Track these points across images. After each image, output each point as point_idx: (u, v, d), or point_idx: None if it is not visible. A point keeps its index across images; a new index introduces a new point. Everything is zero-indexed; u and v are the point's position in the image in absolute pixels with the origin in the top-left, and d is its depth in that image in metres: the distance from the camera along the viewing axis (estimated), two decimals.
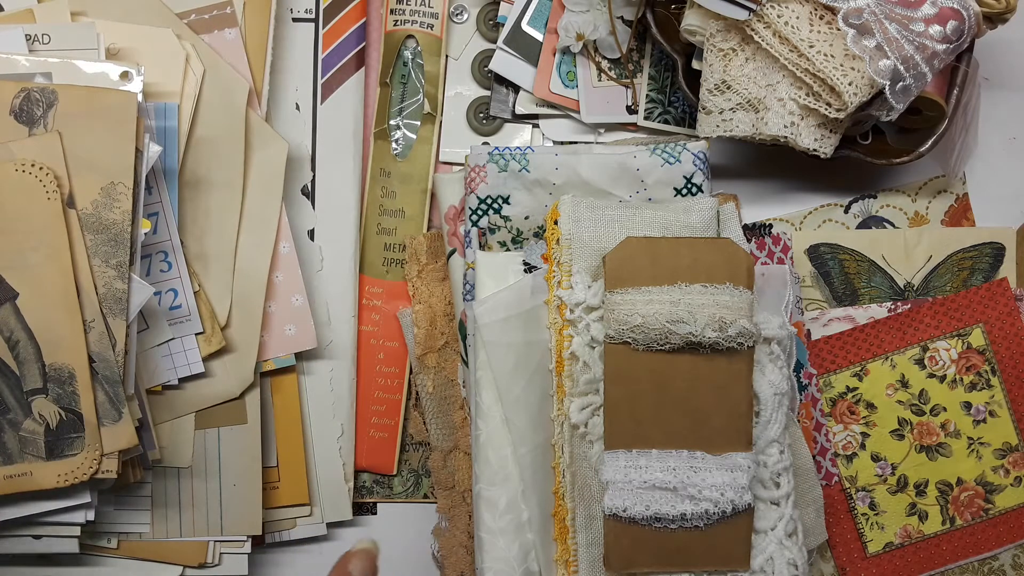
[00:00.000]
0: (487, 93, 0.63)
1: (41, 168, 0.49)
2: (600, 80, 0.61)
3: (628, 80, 0.61)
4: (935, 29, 0.51)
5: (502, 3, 0.62)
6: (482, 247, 0.56)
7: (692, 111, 0.59)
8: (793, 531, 0.51)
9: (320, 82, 0.60)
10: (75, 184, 0.49)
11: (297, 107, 0.60)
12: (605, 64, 0.61)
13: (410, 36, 0.62)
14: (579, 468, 0.50)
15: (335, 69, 0.60)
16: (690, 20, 0.54)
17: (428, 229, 0.61)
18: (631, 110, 0.61)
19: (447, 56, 0.62)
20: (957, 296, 0.60)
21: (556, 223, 0.53)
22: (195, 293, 0.54)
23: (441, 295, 0.59)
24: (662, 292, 0.49)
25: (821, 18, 0.52)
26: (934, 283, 0.61)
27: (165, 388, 0.55)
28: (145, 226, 0.51)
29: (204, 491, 0.56)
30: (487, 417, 0.53)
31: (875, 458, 0.59)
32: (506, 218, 0.56)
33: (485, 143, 0.62)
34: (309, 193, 0.59)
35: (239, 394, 0.56)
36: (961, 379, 0.59)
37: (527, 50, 0.61)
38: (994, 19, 0.53)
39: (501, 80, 0.62)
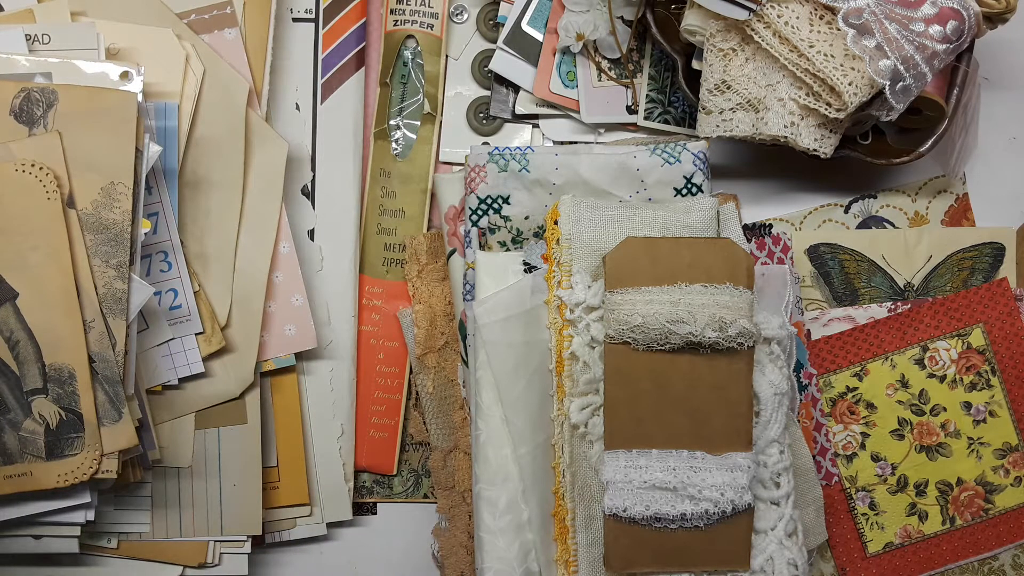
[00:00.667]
0: (487, 93, 0.63)
1: (41, 168, 0.49)
2: (600, 80, 0.61)
3: (628, 80, 0.61)
4: (935, 29, 0.51)
5: (502, 3, 0.62)
6: (482, 247, 0.56)
7: (692, 111, 0.59)
8: (793, 531, 0.51)
9: (320, 82, 0.60)
10: (75, 184, 0.49)
11: (297, 107, 0.60)
12: (605, 64, 0.61)
13: (410, 36, 0.62)
14: (579, 468, 0.50)
15: (335, 69, 0.60)
16: (690, 20, 0.54)
17: (428, 229, 0.61)
18: (631, 110, 0.61)
19: (447, 56, 0.62)
20: (957, 296, 0.60)
21: (556, 223, 0.53)
22: (195, 293, 0.54)
23: (441, 295, 0.59)
24: (662, 292, 0.49)
25: (821, 18, 0.52)
26: (934, 283, 0.61)
27: (165, 388, 0.55)
28: (145, 226, 0.51)
29: (204, 491, 0.56)
30: (487, 417, 0.53)
31: (875, 458, 0.59)
32: (506, 218, 0.56)
33: (485, 143, 0.62)
34: (309, 193, 0.59)
35: (239, 394, 0.56)
36: (961, 379, 0.59)
37: (527, 50, 0.61)
38: (994, 19, 0.53)
39: (501, 80, 0.62)
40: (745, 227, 0.59)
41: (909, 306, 0.60)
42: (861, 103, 0.51)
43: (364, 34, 0.61)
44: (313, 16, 0.60)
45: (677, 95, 0.61)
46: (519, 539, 0.52)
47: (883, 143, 0.58)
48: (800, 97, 0.53)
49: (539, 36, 0.61)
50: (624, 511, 0.48)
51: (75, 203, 0.49)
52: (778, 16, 0.52)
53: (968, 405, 0.59)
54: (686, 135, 0.61)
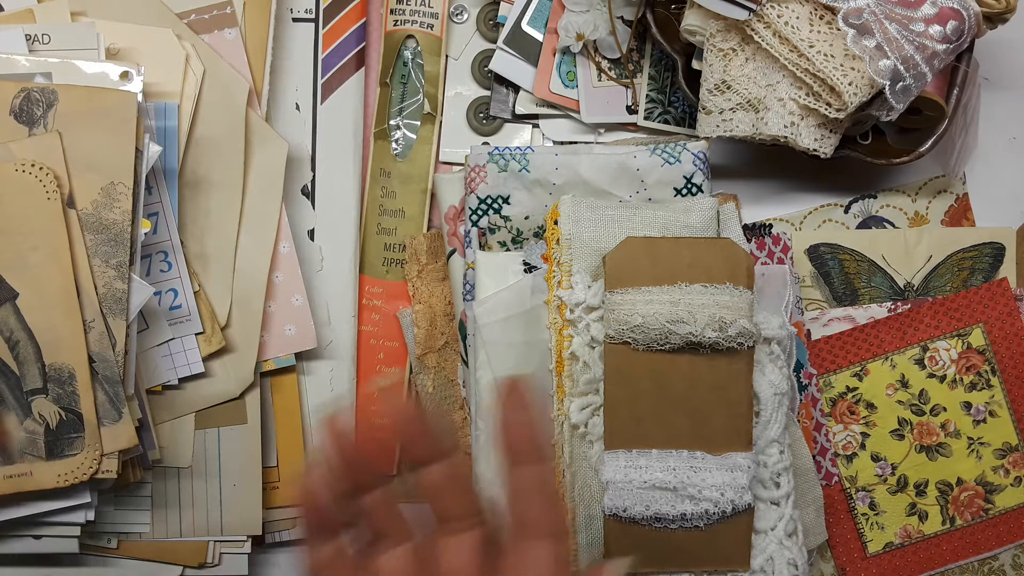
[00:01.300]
0: (487, 93, 0.63)
1: (41, 168, 0.49)
2: (600, 80, 0.61)
3: (628, 80, 0.61)
4: (935, 29, 0.51)
5: (502, 3, 0.62)
6: (482, 247, 0.56)
7: (692, 111, 0.59)
8: (793, 531, 0.51)
9: (320, 82, 0.60)
10: (75, 184, 0.49)
11: (297, 107, 0.60)
12: (605, 64, 0.61)
13: (410, 36, 0.62)
14: (579, 468, 0.50)
15: (335, 69, 0.60)
16: (690, 20, 0.54)
17: (428, 229, 0.61)
18: (631, 110, 0.61)
19: (447, 56, 0.62)
20: (957, 296, 0.60)
21: (556, 223, 0.53)
22: (195, 293, 0.54)
23: (441, 295, 0.59)
24: (662, 292, 0.49)
25: (821, 18, 0.52)
26: (934, 283, 0.61)
27: (165, 388, 0.55)
28: (145, 226, 0.51)
29: (204, 491, 0.56)
30: (487, 417, 0.53)
31: (875, 458, 0.59)
32: (506, 218, 0.56)
33: (485, 143, 0.62)
34: (309, 193, 0.59)
35: (239, 394, 0.56)
36: (961, 379, 0.59)
37: (527, 50, 0.61)
38: (994, 19, 0.53)
39: (501, 80, 0.62)
40: (745, 227, 0.59)
41: (909, 306, 0.60)
42: (861, 103, 0.51)
43: (364, 34, 0.61)
44: (313, 16, 0.60)
45: (677, 95, 0.61)
46: None
47: (883, 143, 0.58)
48: (800, 97, 0.53)
49: (539, 36, 0.61)
50: (624, 511, 0.48)
51: (75, 203, 0.49)
52: (778, 16, 0.52)
53: (968, 405, 0.59)
54: (686, 135, 0.61)
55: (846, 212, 0.62)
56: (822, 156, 0.54)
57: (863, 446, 0.59)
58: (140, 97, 0.51)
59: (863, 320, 0.60)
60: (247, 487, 0.56)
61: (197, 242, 0.55)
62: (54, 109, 0.50)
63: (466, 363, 0.56)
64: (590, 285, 0.51)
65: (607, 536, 0.49)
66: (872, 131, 0.58)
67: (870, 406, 0.59)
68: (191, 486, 0.56)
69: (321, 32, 0.60)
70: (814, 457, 0.57)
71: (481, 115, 0.62)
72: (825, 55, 0.51)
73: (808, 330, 0.60)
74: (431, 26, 0.62)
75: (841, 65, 0.51)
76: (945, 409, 0.59)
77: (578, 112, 0.61)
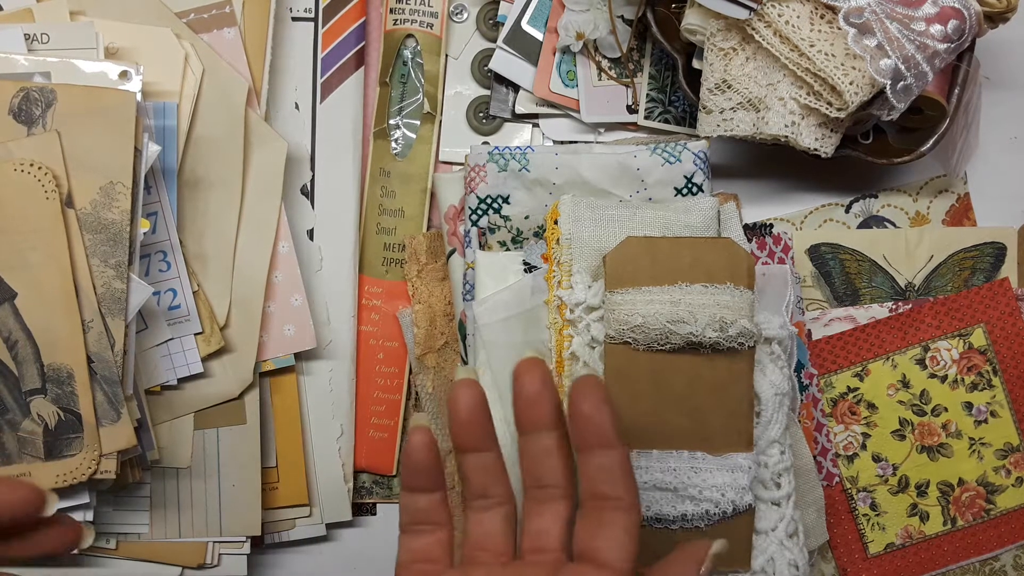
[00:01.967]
0: (487, 93, 0.62)
1: (40, 168, 0.48)
2: (600, 79, 0.61)
3: (628, 79, 0.61)
4: (936, 28, 0.51)
5: (502, 2, 0.62)
6: (482, 247, 0.56)
7: (692, 111, 0.59)
8: (794, 531, 0.51)
9: (319, 81, 0.60)
10: (74, 184, 0.49)
11: (296, 107, 0.60)
12: (605, 63, 0.61)
13: (410, 35, 0.62)
14: None
15: (334, 68, 0.60)
16: (690, 19, 0.54)
17: (428, 229, 0.61)
18: (631, 110, 0.61)
19: (447, 55, 0.62)
20: (958, 296, 0.60)
21: (556, 223, 0.53)
22: (194, 293, 0.54)
23: (441, 295, 0.59)
24: (662, 292, 0.48)
25: (822, 17, 0.51)
26: (935, 283, 0.60)
27: (164, 388, 0.55)
28: (144, 226, 0.51)
29: (203, 491, 0.56)
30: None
31: (876, 458, 0.59)
32: (506, 218, 0.56)
33: (485, 143, 0.62)
34: (308, 193, 0.59)
35: (238, 394, 0.56)
36: (962, 379, 0.59)
37: (527, 49, 0.61)
38: (995, 18, 0.53)
39: (501, 80, 0.62)
40: (746, 227, 0.59)
41: (910, 306, 0.60)
42: (862, 102, 0.51)
43: (364, 33, 0.61)
44: (312, 15, 0.60)
45: (677, 95, 0.61)
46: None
47: (884, 143, 0.58)
48: (801, 96, 0.53)
49: (539, 35, 0.61)
50: None
51: (74, 203, 0.49)
52: (779, 15, 0.51)
53: (969, 405, 0.59)
54: (686, 135, 0.60)
55: (847, 212, 0.62)
56: (823, 156, 0.54)
57: (864, 446, 0.59)
58: (139, 96, 0.51)
59: (864, 320, 0.60)
60: (246, 487, 0.56)
61: (196, 242, 0.55)
62: (53, 108, 0.49)
63: (466, 363, 0.56)
64: (590, 285, 0.51)
65: None
66: (873, 130, 0.58)
67: (871, 406, 0.59)
68: (190, 486, 0.56)
69: (320, 31, 0.60)
70: (815, 457, 0.57)
71: (481, 115, 0.62)
72: (826, 54, 0.51)
73: (809, 330, 0.59)
74: (431, 25, 0.62)
75: (842, 64, 0.51)
76: (946, 409, 0.59)
77: (578, 112, 0.61)
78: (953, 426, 0.59)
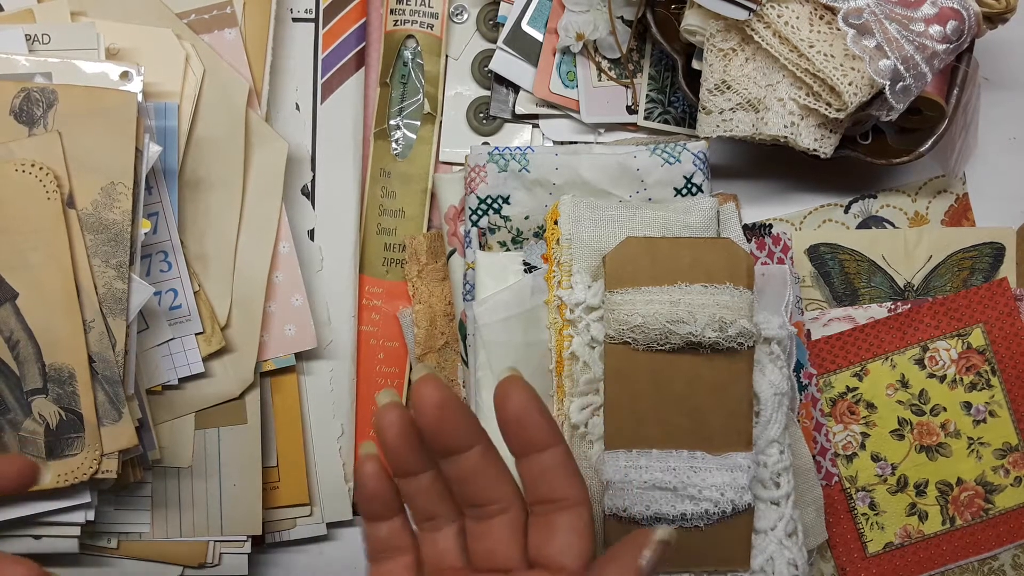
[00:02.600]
0: (487, 93, 0.63)
1: (41, 168, 0.49)
2: (600, 80, 0.61)
3: (628, 80, 0.61)
4: (935, 29, 0.51)
5: (502, 3, 0.62)
6: (482, 247, 0.56)
7: (692, 111, 0.59)
8: (793, 531, 0.51)
9: (320, 82, 0.60)
10: (75, 184, 0.49)
11: (297, 107, 0.60)
12: (605, 64, 0.61)
13: (410, 36, 0.62)
14: (579, 468, 0.50)
15: (335, 69, 0.60)
16: (690, 20, 0.54)
17: (428, 229, 0.61)
18: (631, 110, 0.61)
19: (447, 56, 0.62)
20: (957, 296, 0.60)
21: (556, 223, 0.53)
22: (195, 293, 0.54)
23: (441, 295, 0.59)
24: (662, 292, 0.48)
25: (821, 18, 0.52)
26: (934, 283, 0.61)
27: (165, 388, 0.55)
28: (145, 226, 0.51)
29: (204, 491, 0.56)
30: (487, 417, 0.52)
31: (875, 458, 0.59)
32: (506, 218, 0.56)
33: (485, 143, 0.62)
34: (309, 193, 0.59)
35: (239, 394, 0.56)
36: (961, 379, 0.59)
37: (527, 50, 0.61)
38: (994, 19, 0.53)
39: (501, 80, 0.62)
40: (745, 227, 0.59)
41: (909, 306, 0.60)
42: (861, 103, 0.51)
43: (364, 34, 0.61)
44: (313, 16, 0.60)
45: (677, 95, 0.61)
46: None
47: (883, 143, 0.58)
48: (800, 97, 0.53)
49: (539, 36, 0.61)
50: (624, 511, 0.48)
51: (75, 203, 0.49)
52: (778, 16, 0.52)
53: (968, 405, 0.59)
54: (686, 135, 0.61)
55: (846, 212, 0.62)
56: (822, 156, 0.54)
57: (863, 446, 0.59)
58: (140, 97, 0.51)
59: (863, 320, 0.60)
60: (247, 487, 0.56)
61: (197, 242, 0.55)
62: (54, 109, 0.50)
63: (466, 363, 0.56)
64: (590, 285, 0.51)
65: (607, 536, 0.49)
66: (872, 131, 0.58)
67: (870, 406, 0.59)
68: (191, 486, 0.56)
69: (321, 32, 0.60)
70: (814, 457, 0.57)
71: (481, 115, 0.62)
72: (825, 55, 0.51)
73: (808, 330, 0.60)
74: (431, 26, 0.62)
75: (841, 65, 0.51)
76: (945, 409, 0.59)
77: (578, 112, 0.61)
78: (952, 426, 0.59)
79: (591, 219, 0.53)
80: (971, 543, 0.59)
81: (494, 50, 0.62)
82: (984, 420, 0.59)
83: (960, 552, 0.59)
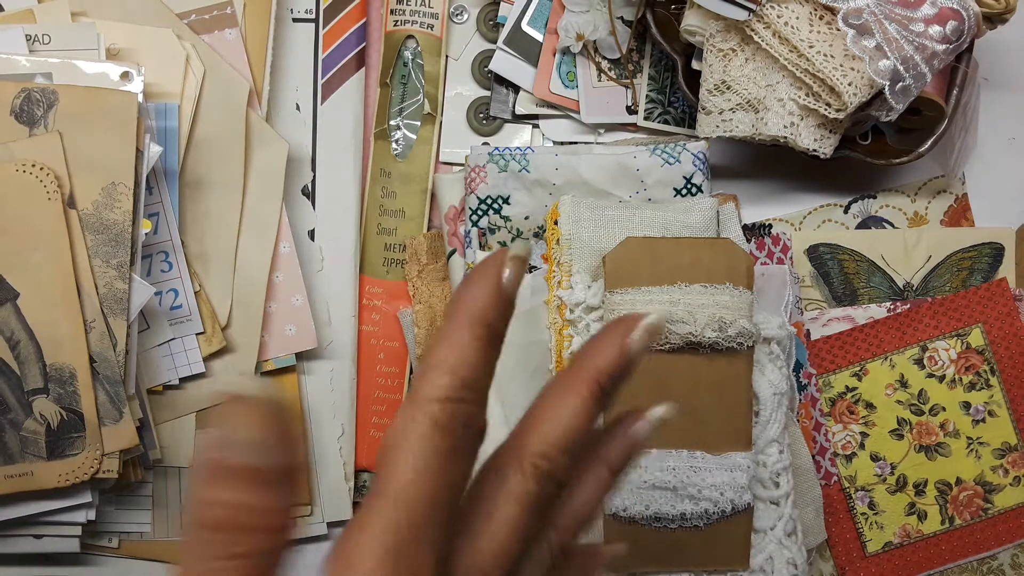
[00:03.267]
0: (487, 93, 0.63)
1: (42, 168, 0.49)
2: (600, 80, 0.61)
3: (628, 80, 0.61)
4: (935, 29, 0.51)
5: (502, 3, 0.62)
6: (482, 247, 0.56)
7: (692, 111, 0.59)
8: (792, 530, 0.51)
9: (320, 82, 0.60)
10: (76, 184, 0.49)
11: (297, 107, 0.60)
12: (605, 64, 0.61)
13: (410, 36, 0.62)
14: None
15: (335, 69, 0.60)
16: (690, 20, 0.54)
17: (428, 229, 0.61)
18: (631, 110, 0.61)
19: (447, 56, 0.62)
20: (956, 296, 0.60)
21: (556, 223, 0.53)
22: (196, 293, 0.54)
23: (441, 295, 0.59)
24: (662, 292, 0.49)
25: (821, 18, 0.52)
26: (933, 283, 0.61)
27: (166, 388, 0.55)
28: (146, 226, 0.51)
29: None
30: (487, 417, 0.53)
31: (874, 458, 0.59)
32: (506, 218, 0.56)
33: (485, 143, 0.62)
34: (309, 193, 0.60)
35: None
36: (960, 379, 0.60)
37: (527, 50, 0.61)
38: (994, 19, 0.53)
39: (501, 80, 0.62)
40: (745, 227, 0.59)
41: (908, 306, 0.60)
42: (861, 103, 0.52)
43: (364, 34, 0.61)
44: (313, 16, 0.60)
45: (677, 95, 0.61)
46: None
47: (883, 143, 0.59)
48: (800, 97, 0.53)
49: (539, 36, 0.61)
50: (624, 511, 0.48)
51: (76, 203, 0.49)
52: (778, 16, 0.52)
53: (967, 405, 0.59)
54: (686, 135, 0.61)
55: (846, 212, 0.62)
56: (822, 156, 0.54)
57: (862, 446, 0.59)
58: (140, 97, 0.51)
59: (862, 320, 0.60)
60: None
61: (198, 242, 0.55)
62: (54, 109, 0.50)
63: None
64: (590, 285, 0.51)
65: (607, 536, 0.49)
66: (872, 131, 0.58)
67: (869, 406, 0.59)
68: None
69: (321, 32, 0.60)
70: (813, 457, 0.57)
71: (481, 115, 0.63)
72: (825, 55, 0.51)
73: (807, 330, 0.60)
74: (431, 26, 0.62)
75: (841, 65, 0.51)
76: (944, 409, 0.59)
77: (578, 112, 0.61)
78: (951, 426, 0.59)
79: (591, 219, 0.53)
80: (970, 543, 0.59)
81: (494, 50, 0.62)
82: (983, 420, 0.59)
83: (959, 552, 0.59)
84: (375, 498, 0.28)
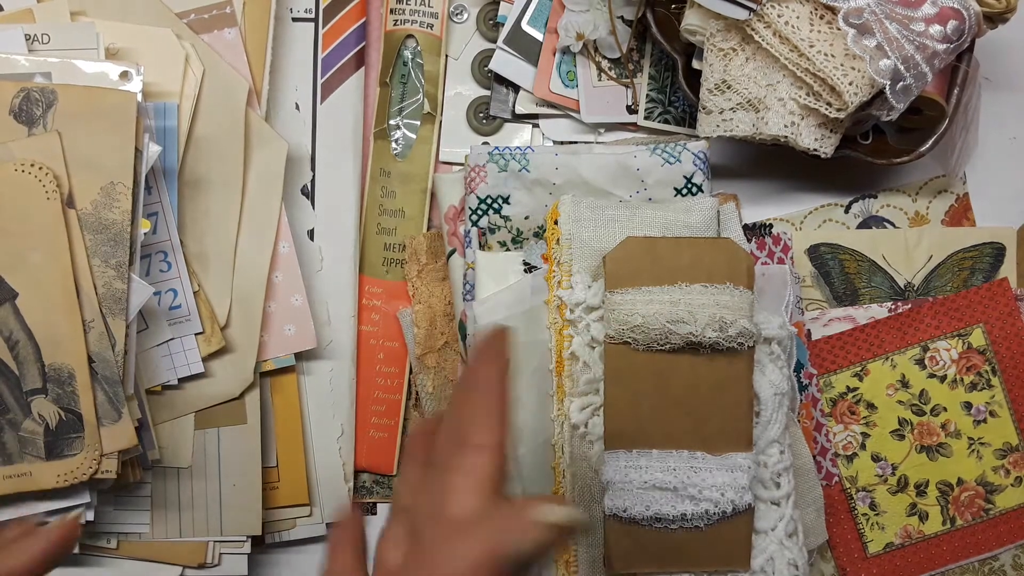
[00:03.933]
0: (487, 93, 0.62)
1: (41, 168, 0.49)
2: (600, 80, 0.61)
3: (628, 80, 0.61)
4: (935, 29, 0.51)
5: (502, 3, 0.62)
6: (482, 247, 0.56)
7: (692, 111, 0.59)
8: (793, 531, 0.51)
9: (320, 82, 0.60)
10: (75, 184, 0.49)
11: (297, 107, 0.60)
12: (605, 64, 0.61)
13: (410, 36, 0.62)
14: (579, 468, 0.50)
15: (335, 69, 0.60)
16: (690, 20, 0.54)
17: (428, 229, 0.61)
18: (631, 110, 0.61)
19: (447, 56, 0.62)
20: (957, 296, 0.60)
21: (556, 223, 0.53)
22: (195, 293, 0.54)
23: (441, 295, 0.59)
24: (662, 292, 0.48)
25: (821, 18, 0.52)
26: (934, 283, 0.61)
27: (165, 388, 0.55)
28: (145, 226, 0.51)
29: (204, 491, 0.56)
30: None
31: (875, 458, 0.59)
32: (506, 218, 0.56)
33: (485, 143, 0.62)
34: (309, 193, 0.59)
35: (239, 394, 0.56)
36: (961, 379, 0.59)
37: (527, 50, 0.61)
38: (994, 19, 0.53)
39: (501, 80, 0.62)
40: (745, 227, 0.59)
41: (909, 306, 0.60)
42: (861, 103, 0.51)
43: (364, 34, 0.61)
44: (313, 16, 0.60)
45: (677, 95, 0.61)
46: None
47: (883, 143, 0.58)
48: (800, 97, 0.53)
49: (539, 36, 0.61)
50: (624, 511, 0.48)
51: (75, 203, 0.49)
52: (778, 16, 0.52)
53: (968, 405, 0.59)
54: (686, 135, 0.61)
55: (846, 212, 0.62)
56: (822, 156, 0.54)
57: (863, 446, 0.59)
58: (140, 97, 0.51)
59: (863, 320, 0.60)
60: (247, 487, 0.56)
61: (197, 242, 0.55)
62: (54, 109, 0.50)
63: (466, 363, 0.56)
64: (590, 285, 0.51)
65: (607, 536, 0.49)
66: (872, 131, 0.58)
67: (870, 406, 0.59)
68: (191, 486, 0.56)
69: (321, 32, 0.60)
70: (814, 457, 0.57)
71: (481, 115, 0.62)
72: (825, 55, 0.51)
73: (808, 330, 0.60)
74: (431, 26, 0.62)
75: (841, 65, 0.51)
76: (945, 409, 0.59)
77: (578, 112, 0.61)
78: (952, 426, 0.59)
79: (591, 219, 0.53)
80: (971, 543, 0.59)
81: (494, 50, 0.62)
82: (984, 420, 0.59)
83: (960, 552, 0.59)
84: None
